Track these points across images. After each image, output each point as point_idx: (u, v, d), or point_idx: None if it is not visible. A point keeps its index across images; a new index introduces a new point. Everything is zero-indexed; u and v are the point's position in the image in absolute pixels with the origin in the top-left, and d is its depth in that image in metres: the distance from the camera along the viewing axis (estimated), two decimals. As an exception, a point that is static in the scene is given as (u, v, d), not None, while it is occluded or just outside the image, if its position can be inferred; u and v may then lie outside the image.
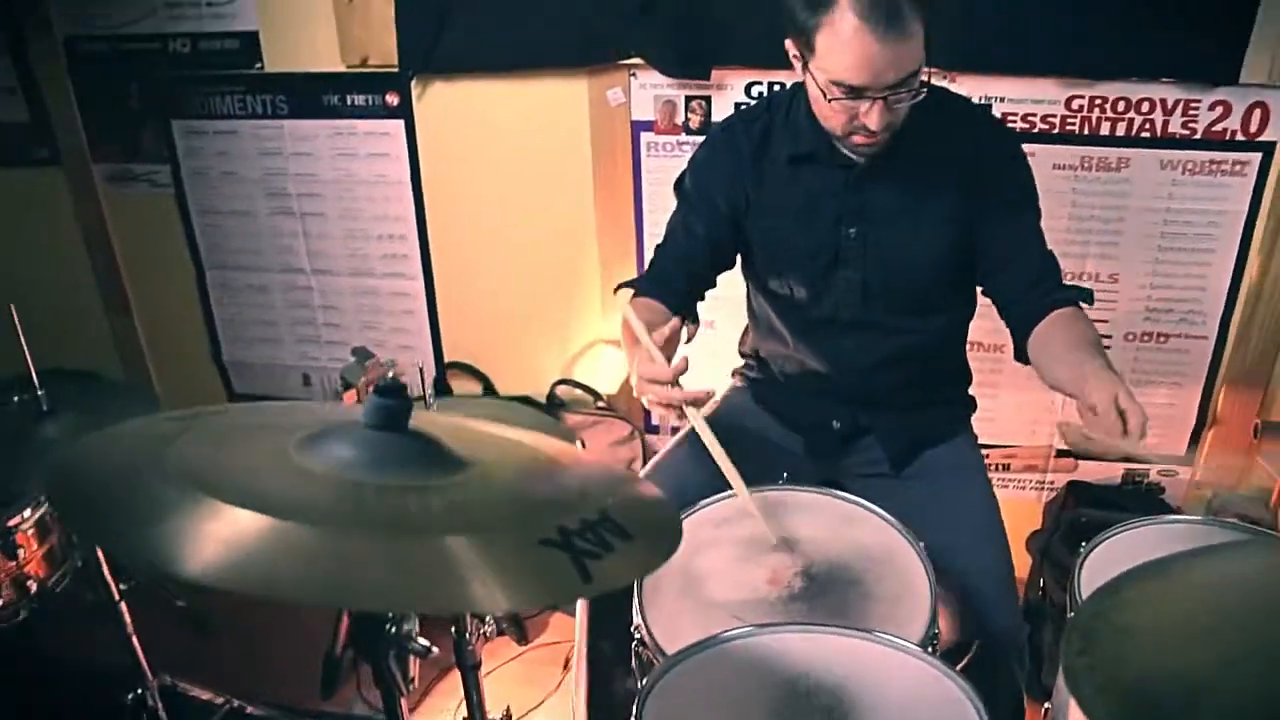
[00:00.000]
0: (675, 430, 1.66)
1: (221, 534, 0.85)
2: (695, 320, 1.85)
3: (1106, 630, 0.95)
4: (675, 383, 1.52)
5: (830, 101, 1.50)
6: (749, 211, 1.76)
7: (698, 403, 1.55)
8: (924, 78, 1.51)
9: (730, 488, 1.61)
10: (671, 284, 1.80)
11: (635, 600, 1.46)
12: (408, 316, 2.65)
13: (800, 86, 1.67)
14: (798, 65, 1.57)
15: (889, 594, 1.47)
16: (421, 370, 2.00)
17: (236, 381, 2.89)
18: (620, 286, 1.86)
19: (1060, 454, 2.54)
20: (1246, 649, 0.89)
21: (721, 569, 1.52)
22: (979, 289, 1.80)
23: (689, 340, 1.85)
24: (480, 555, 0.90)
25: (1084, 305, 1.65)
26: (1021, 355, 1.68)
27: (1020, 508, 2.58)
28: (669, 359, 1.58)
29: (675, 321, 1.64)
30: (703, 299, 1.86)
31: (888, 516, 1.63)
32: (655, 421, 1.71)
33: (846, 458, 1.89)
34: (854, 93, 1.48)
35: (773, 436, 1.91)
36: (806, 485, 1.73)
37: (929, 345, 1.80)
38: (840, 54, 1.45)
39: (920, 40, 1.47)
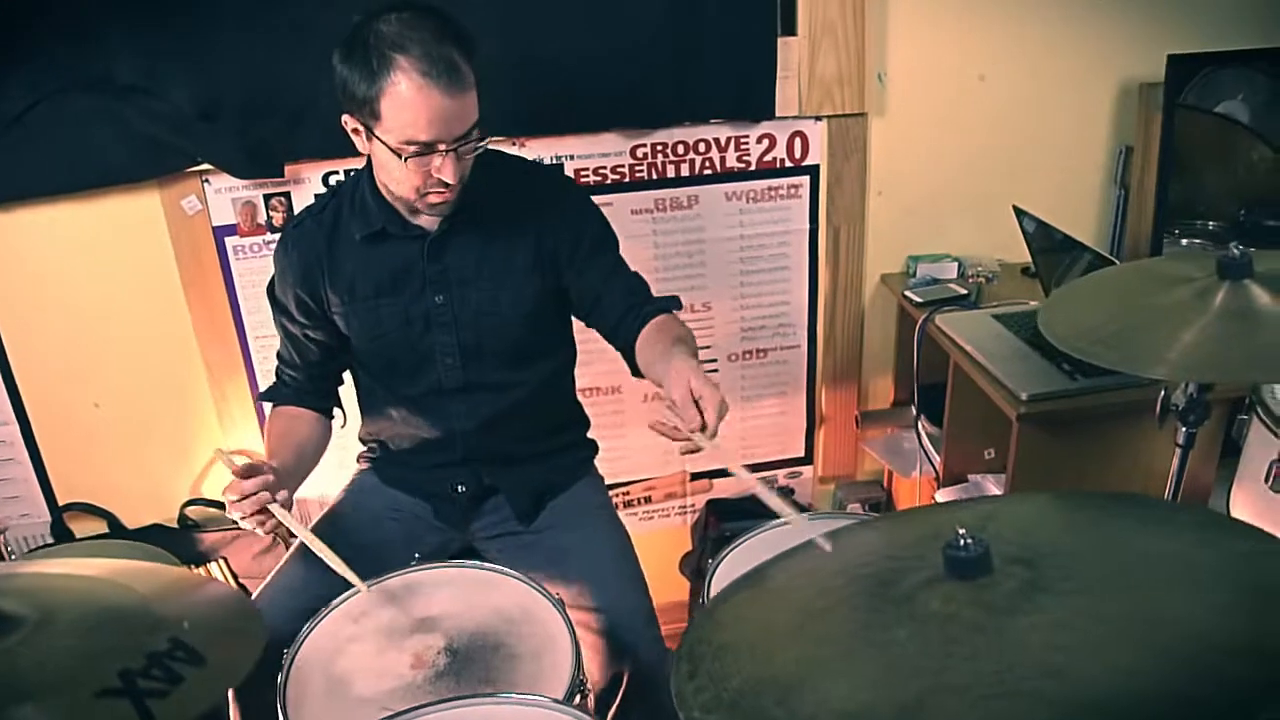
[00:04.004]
0: (274, 536, 1.63)
1: None
2: (341, 407, 1.93)
3: (709, 651, 1.01)
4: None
5: (405, 161, 1.53)
6: (336, 297, 1.77)
7: (284, 503, 1.60)
8: (485, 138, 1.60)
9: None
10: (301, 388, 1.87)
11: (279, 713, 1.43)
12: (10, 465, 2.43)
13: (363, 172, 1.69)
14: (359, 139, 1.59)
15: (531, 651, 1.52)
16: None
17: None
18: (261, 398, 1.94)
19: (695, 476, 2.68)
20: (822, 639, 0.99)
21: (365, 663, 1.52)
22: (584, 324, 1.87)
23: (343, 426, 1.94)
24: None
25: (676, 312, 1.77)
26: (636, 372, 1.76)
27: (670, 535, 2.70)
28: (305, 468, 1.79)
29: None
30: (342, 383, 1.92)
31: (519, 575, 1.67)
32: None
33: (477, 520, 1.92)
34: (427, 148, 1.52)
35: (404, 509, 1.92)
36: (437, 561, 1.75)
37: (536, 396, 1.86)
38: (409, 113, 1.49)
39: (475, 92, 1.55)
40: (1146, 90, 2.39)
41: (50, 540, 2.51)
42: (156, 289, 2.29)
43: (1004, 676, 0.84)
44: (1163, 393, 1.56)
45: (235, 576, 2.47)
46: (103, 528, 2.50)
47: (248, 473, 1.57)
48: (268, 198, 2.26)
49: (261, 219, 2.26)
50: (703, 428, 1.41)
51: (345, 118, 1.58)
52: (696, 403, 1.42)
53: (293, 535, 2.38)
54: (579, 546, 1.85)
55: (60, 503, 2.48)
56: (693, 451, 1.46)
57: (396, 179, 1.60)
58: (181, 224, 2.24)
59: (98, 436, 2.43)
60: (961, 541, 0.97)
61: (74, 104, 2.06)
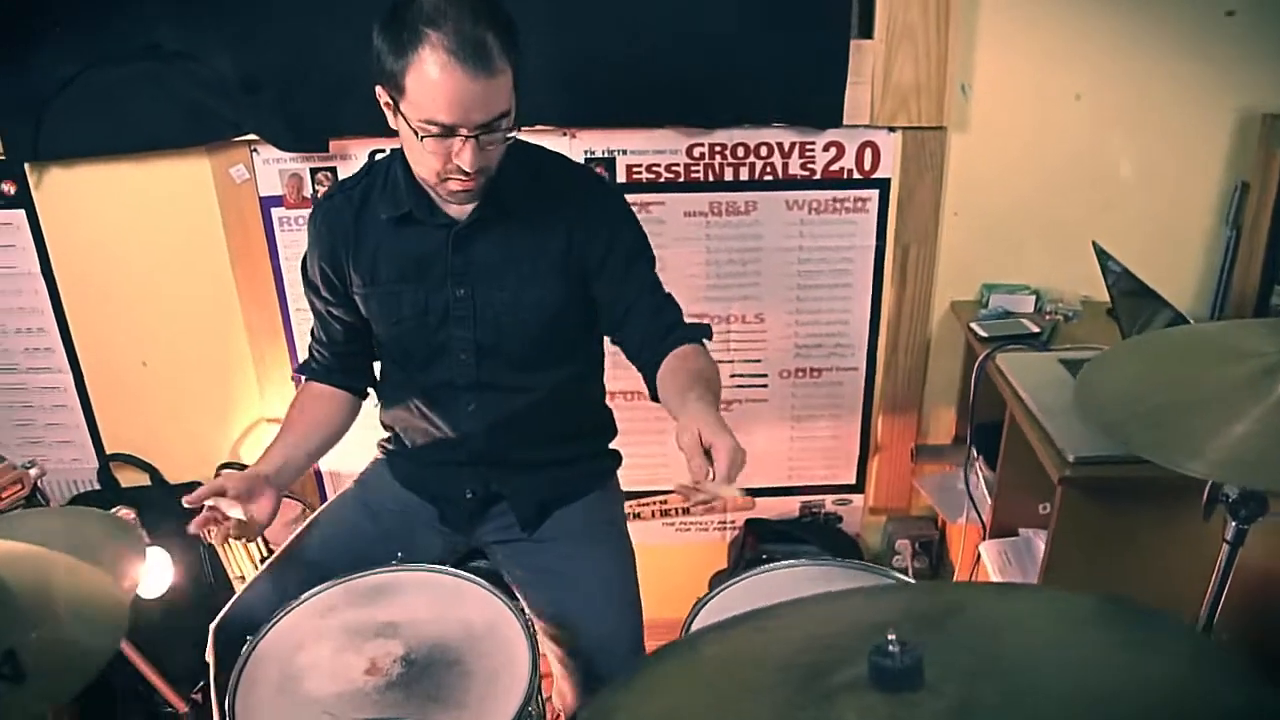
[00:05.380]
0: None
1: None
2: (374, 384, 1.90)
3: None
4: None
5: (423, 141, 1.48)
6: (359, 277, 1.73)
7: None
8: (514, 131, 1.53)
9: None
10: (329, 366, 1.85)
11: (228, 701, 1.42)
12: (62, 411, 2.49)
13: (399, 151, 1.64)
14: (389, 113, 1.54)
15: (488, 670, 1.46)
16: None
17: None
18: (297, 371, 1.93)
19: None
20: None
21: (321, 662, 1.49)
22: (609, 340, 1.80)
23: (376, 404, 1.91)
24: None
25: (705, 341, 1.68)
26: (655, 397, 1.69)
27: (706, 549, 2.61)
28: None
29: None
30: (374, 360, 1.89)
31: (493, 589, 1.62)
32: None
33: (483, 524, 1.87)
34: (446, 131, 1.46)
35: (410, 511, 1.87)
36: (422, 563, 1.70)
37: (550, 401, 1.78)
38: (430, 91, 1.43)
39: (509, 81, 1.48)
40: (1270, 122, 2.15)
41: (97, 487, 2.58)
42: (204, 254, 2.31)
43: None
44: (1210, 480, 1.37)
45: (266, 542, 2.49)
46: (145, 480, 2.56)
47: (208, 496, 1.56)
48: (314, 171, 2.23)
49: (307, 192, 2.24)
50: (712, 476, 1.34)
51: (377, 88, 1.53)
52: (708, 452, 1.34)
53: (308, 509, 2.39)
54: (577, 562, 1.79)
55: (108, 451, 2.54)
56: (706, 503, 1.39)
57: (417, 159, 1.55)
58: (229, 192, 2.24)
59: (144, 393, 2.47)
60: (890, 649, 0.85)
61: (123, 68, 2.08)
